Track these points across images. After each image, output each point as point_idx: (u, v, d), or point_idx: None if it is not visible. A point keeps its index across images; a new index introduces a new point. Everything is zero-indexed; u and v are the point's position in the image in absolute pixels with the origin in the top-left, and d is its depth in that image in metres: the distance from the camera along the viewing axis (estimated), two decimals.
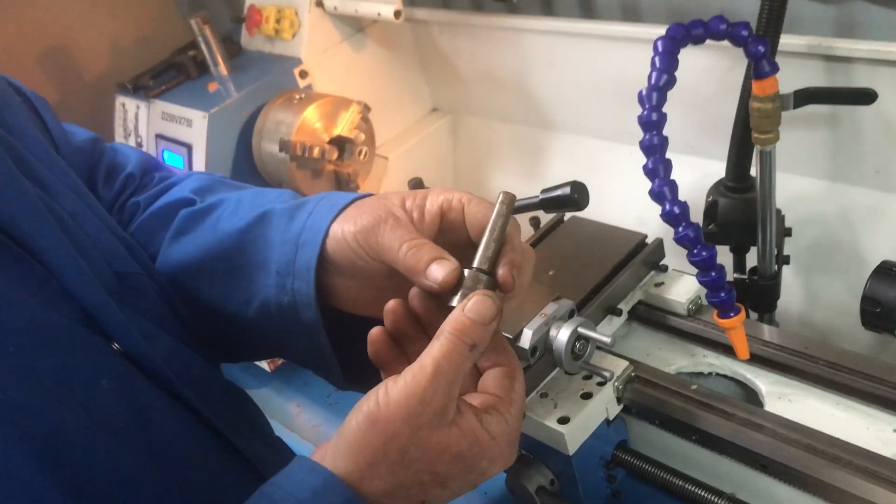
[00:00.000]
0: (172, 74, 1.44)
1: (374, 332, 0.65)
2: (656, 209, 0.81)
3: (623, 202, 1.30)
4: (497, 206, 0.63)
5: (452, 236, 0.66)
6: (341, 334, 0.73)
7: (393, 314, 0.65)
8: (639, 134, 0.78)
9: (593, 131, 1.42)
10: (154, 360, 0.65)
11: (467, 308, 0.58)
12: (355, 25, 1.44)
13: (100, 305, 0.63)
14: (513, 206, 0.63)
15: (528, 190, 0.96)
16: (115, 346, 0.63)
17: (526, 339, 0.84)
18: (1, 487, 0.52)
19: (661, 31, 0.82)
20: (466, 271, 0.63)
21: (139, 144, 1.44)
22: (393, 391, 0.56)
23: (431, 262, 0.62)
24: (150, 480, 0.61)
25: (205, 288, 0.76)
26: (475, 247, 0.63)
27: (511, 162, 1.57)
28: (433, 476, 0.57)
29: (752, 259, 1.08)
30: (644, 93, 0.75)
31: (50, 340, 0.58)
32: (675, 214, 0.74)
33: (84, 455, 0.57)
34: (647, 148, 0.74)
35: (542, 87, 1.43)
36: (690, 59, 1.10)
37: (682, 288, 0.99)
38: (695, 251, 0.74)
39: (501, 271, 0.62)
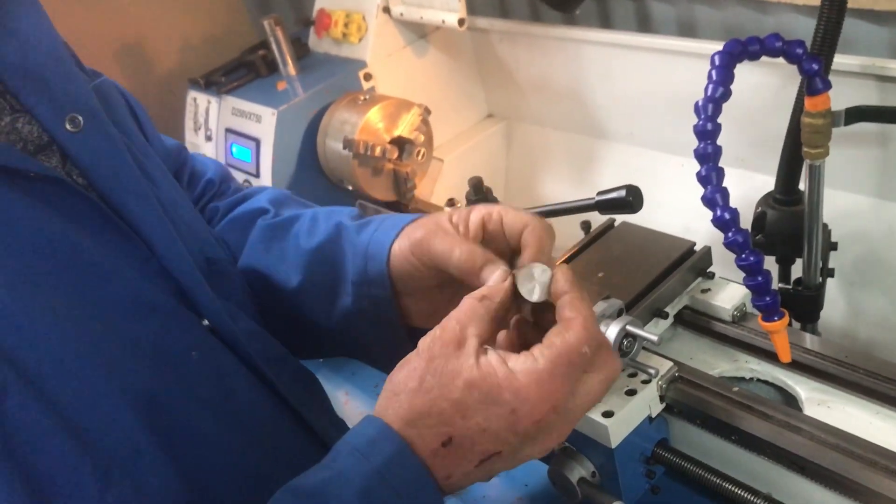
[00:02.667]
0: (243, 72, 1.51)
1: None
2: (704, 220, 0.84)
3: (671, 212, 1.32)
4: None
5: (493, 245, 0.71)
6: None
7: None
8: (690, 146, 0.81)
9: (645, 142, 1.45)
10: (238, 338, 0.71)
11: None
12: (419, 32, 1.50)
13: (194, 284, 0.69)
14: None
15: (578, 197, 1.00)
16: (205, 322, 0.69)
17: None
18: (108, 433, 0.58)
19: (715, 46, 0.85)
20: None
21: (209, 138, 1.51)
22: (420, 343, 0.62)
23: (485, 265, 0.68)
24: (233, 446, 0.67)
25: (287, 302, 0.83)
26: (515, 253, 0.70)
27: (563, 169, 1.61)
28: (451, 404, 0.59)
29: (797, 271, 1.10)
30: (700, 103, 0.79)
31: (148, 312, 0.64)
32: (725, 220, 0.77)
33: (175, 417, 0.63)
34: (701, 156, 0.77)
35: (596, 97, 1.47)
36: (744, 75, 1.12)
37: (728, 295, 1.02)
38: (743, 255, 0.77)
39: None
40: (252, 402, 0.71)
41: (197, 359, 0.66)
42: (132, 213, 0.66)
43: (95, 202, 0.64)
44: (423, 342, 0.62)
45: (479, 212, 0.72)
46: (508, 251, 0.71)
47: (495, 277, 0.66)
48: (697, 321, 1.03)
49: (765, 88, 1.17)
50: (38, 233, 0.59)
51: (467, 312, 0.62)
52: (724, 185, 0.80)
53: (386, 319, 0.77)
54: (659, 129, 1.40)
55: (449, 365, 0.60)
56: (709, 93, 0.78)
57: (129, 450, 0.58)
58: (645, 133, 1.44)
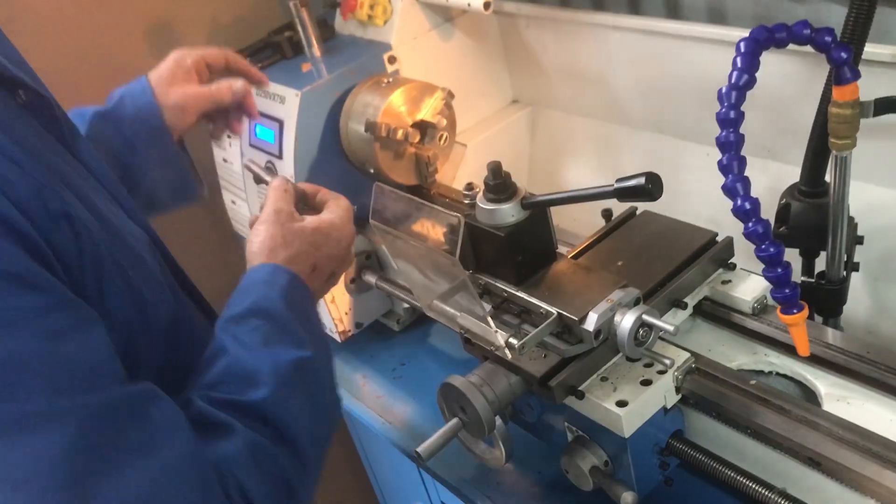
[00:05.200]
0: (269, 53, 1.51)
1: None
2: (729, 210, 0.82)
3: (697, 202, 1.31)
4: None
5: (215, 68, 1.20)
6: None
7: None
8: (717, 135, 0.80)
9: (672, 130, 1.43)
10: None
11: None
12: (445, 15, 1.48)
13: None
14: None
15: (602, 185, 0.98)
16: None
17: (591, 322, 0.87)
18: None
19: (745, 33, 0.83)
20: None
21: None
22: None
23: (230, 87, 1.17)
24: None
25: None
26: (228, 65, 1.22)
27: (587, 156, 1.59)
28: (310, 245, 0.95)
29: (821, 265, 1.08)
30: (724, 91, 0.78)
31: None
32: (745, 210, 0.76)
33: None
34: (722, 144, 0.76)
35: (623, 83, 1.45)
36: (774, 64, 1.10)
37: (749, 287, 1.01)
38: (762, 246, 0.76)
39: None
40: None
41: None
42: None
43: None
44: (266, 216, 0.95)
45: (189, 62, 1.18)
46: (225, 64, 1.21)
47: (278, 183, 1.01)
48: (717, 313, 1.02)
49: (795, 78, 1.15)
50: None
51: (284, 197, 0.98)
52: (750, 175, 0.79)
53: (167, 144, 1.12)
54: (686, 117, 1.38)
55: (295, 225, 0.95)
56: (732, 80, 0.77)
57: None
58: (672, 121, 1.42)
